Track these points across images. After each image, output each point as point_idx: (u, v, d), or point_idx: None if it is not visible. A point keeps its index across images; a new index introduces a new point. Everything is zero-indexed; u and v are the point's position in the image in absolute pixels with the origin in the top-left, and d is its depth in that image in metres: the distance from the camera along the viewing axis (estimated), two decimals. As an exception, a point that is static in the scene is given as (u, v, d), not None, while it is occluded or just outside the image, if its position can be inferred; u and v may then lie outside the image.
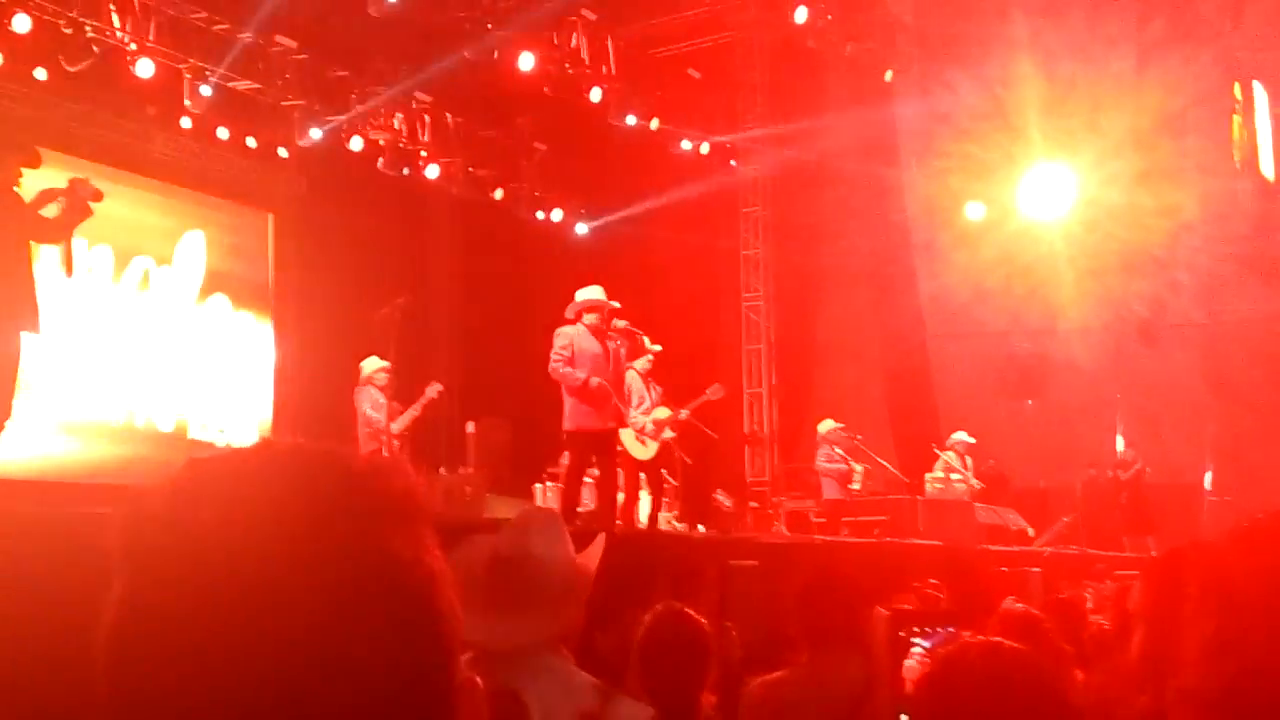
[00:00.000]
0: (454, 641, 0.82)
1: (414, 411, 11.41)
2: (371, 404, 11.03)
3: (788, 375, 17.77)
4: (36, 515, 4.67)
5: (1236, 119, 14.88)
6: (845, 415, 14.93)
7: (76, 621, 0.87)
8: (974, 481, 14.36)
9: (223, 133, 13.76)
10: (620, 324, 9.63)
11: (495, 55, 13.60)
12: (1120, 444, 15.17)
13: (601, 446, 9.43)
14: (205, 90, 12.77)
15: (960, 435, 14.67)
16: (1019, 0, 15.13)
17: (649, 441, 10.92)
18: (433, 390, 11.53)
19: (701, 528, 13.14)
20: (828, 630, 3.71)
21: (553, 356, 9.17)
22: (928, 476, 14.33)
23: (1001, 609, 3.94)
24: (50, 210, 7.00)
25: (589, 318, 9.26)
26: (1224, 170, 15.12)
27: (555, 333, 9.26)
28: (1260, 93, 15.44)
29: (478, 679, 0.84)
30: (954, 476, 14.33)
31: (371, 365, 11.09)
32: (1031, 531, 14.16)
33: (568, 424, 9.32)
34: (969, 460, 14.56)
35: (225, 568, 0.75)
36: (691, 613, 3.60)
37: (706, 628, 3.56)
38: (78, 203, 7.01)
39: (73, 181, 7.10)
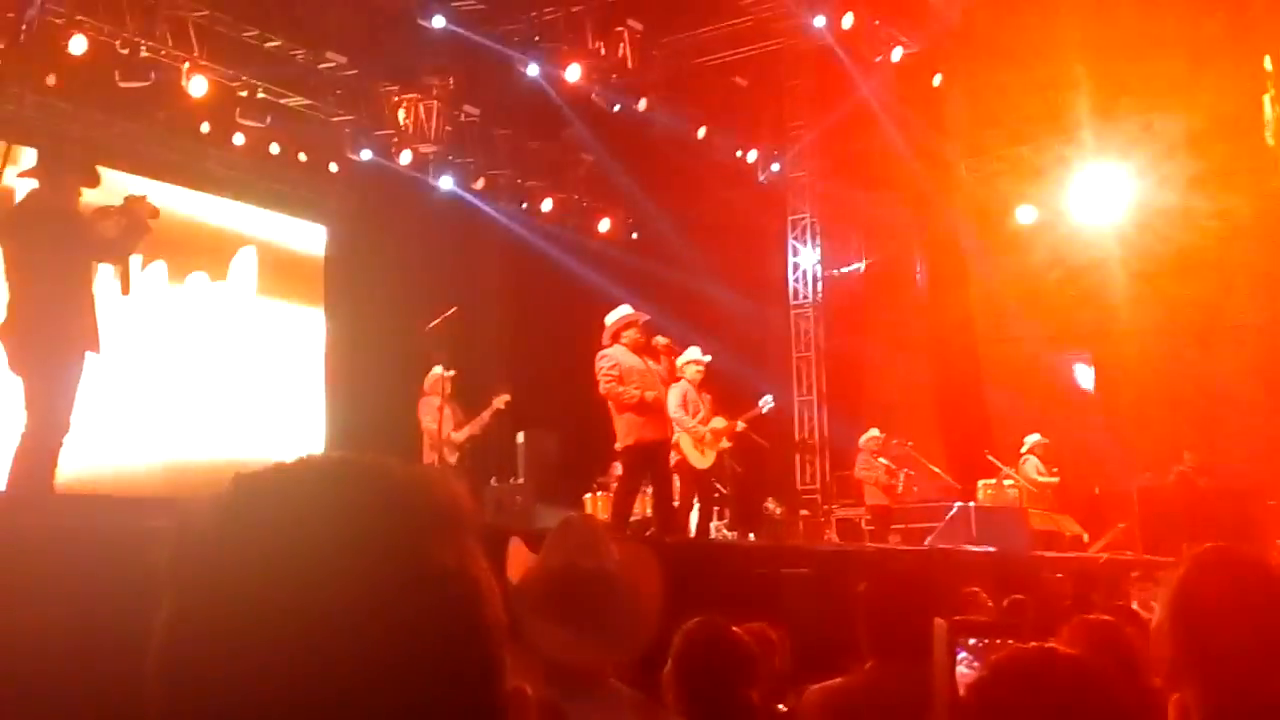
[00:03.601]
0: (501, 651, 0.82)
1: (481, 421, 11.51)
2: (431, 414, 11.11)
3: (838, 382, 17.68)
4: (92, 529, 4.73)
5: (1268, 97, 14.61)
6: (896, 421, 14.85)
7: (131, 638, 0.88)
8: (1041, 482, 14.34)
9: (274, 148, 13.92)
10: (661, 341, 9.67)
11: (542, 67, 13.67)
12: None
13: (656, 458, 9.51)
14: (261, 108, 12.95)
15: (1036, 436, 14.59)
16: (1069, 1, 14.97)
17: (707, 451, 10.95)
18: (499, 401, 11.62)
19: (752, 536, 13.11)
20: (893, 639, 3.67)
21: (602, 380, 9.25)
22: (1006, 482, 14.31)
23: (1074, 619, 3.87)
24: (108, 229, 7.08)
25: (627, 335, 9.36)
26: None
27: (598, 356, 9.35)
28: None
29: (527, 688, 0.85)
30: (1038, 478, 14.31)
31: (435, 375, 11.18)
32: (1086, 537, 14.01)
33: (623, 440, 9.37)
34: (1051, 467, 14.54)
35: (272, 583, 0.76)
36: (728, 624, 3.56)
37: (745, 639, 3.52)
38: (136, 221, 7.08)
39: (129, 199, 7.16)
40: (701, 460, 10.91)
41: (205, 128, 13.24)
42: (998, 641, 2.40)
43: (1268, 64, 14.83)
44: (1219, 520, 14.04)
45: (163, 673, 0.78)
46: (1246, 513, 14.29)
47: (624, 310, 9.53)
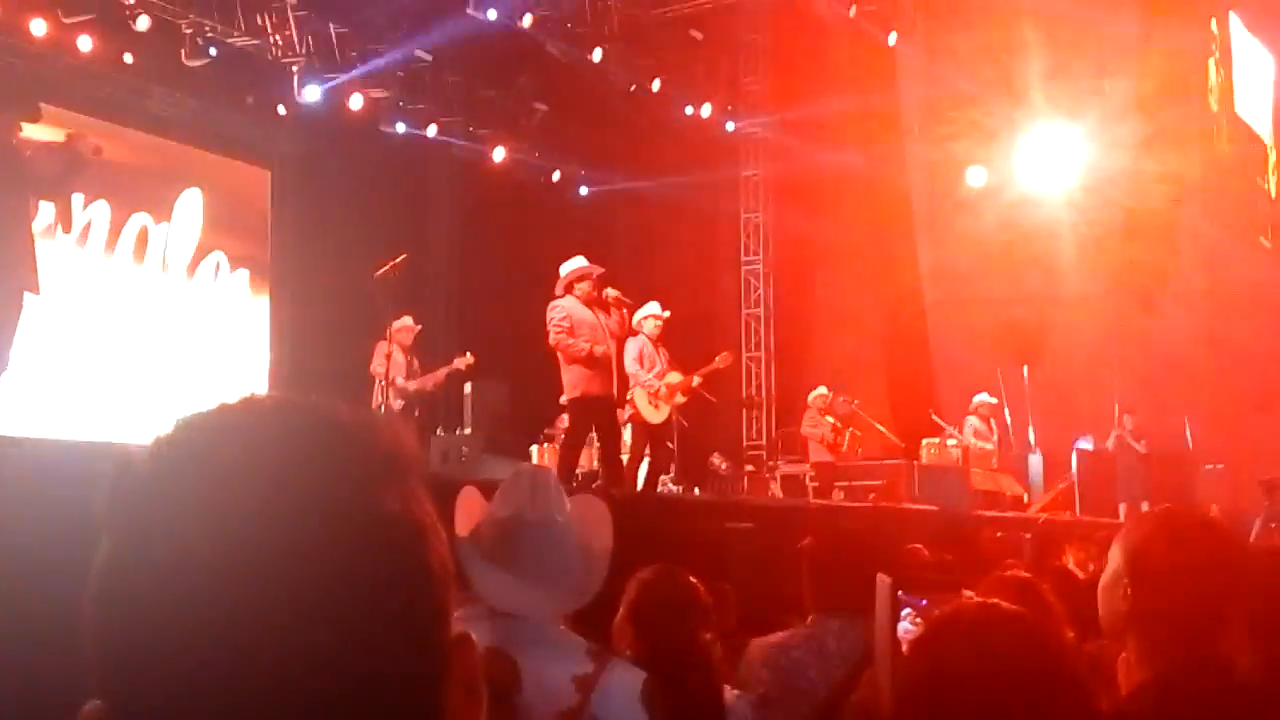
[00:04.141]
0: (446, 596, 0.80)
1: (435, 377, 11.46)
2: (380, 360, 11.06)
3: (786, 340, 17.76)
4: (31, 471, 4.66)
5: (1212, 61, 14.77)
6: (843, 380, 14.94)
7: (69, 581, 0.86)
8: (977, 445, 14.42)
9: (221, 89, 13.67)
10: (611, 293, 9.64)
11: (496, 13, 13.51)
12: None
13: (603, 412, 9.52)
14: (208, 47, 12.71)
15: (984, 396, 14.68)
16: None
17: (661, 405, 10.96)
18: (461, 361, 11.58)
19: (697, 490, 13.19)
20: (836, 594, 3.71)
21: (552, 330, 9.24)
22: (949, 442, 14.40)
23: (992, 575, 3.94)
24: (49, 166, 6.94)
25: (580, 287, 9.36)
26: (1225, 131, 15.08)
27: (549, 306, 9.34)
28: (1236, 24, 15.32)
29: (471, 635, 0.84)
30: (974, 440, 14.41)
31: (397, 324, 11.11)
32: (1027, 497, 14.20)
33: (571, 392, 9.39)
34: (993, 422, 14.61)
35: (211, 524, 0.74)
36: (684, 573, 3.58)
37: (698, 585, 3.55)
38: (76, 158, 6.95)
39: (71, 136, 7.04)
40: (655, 415, 10.92)
41: (151, 66, 12.97)
42: (943, 599, 2.43)
43: (1214, 27, 14.97)
44: (1155, 484, 14.31)
45: (99, 615, 0.76)
46: (1183, 477, 14.55)
47: (578, 262, 9.51)
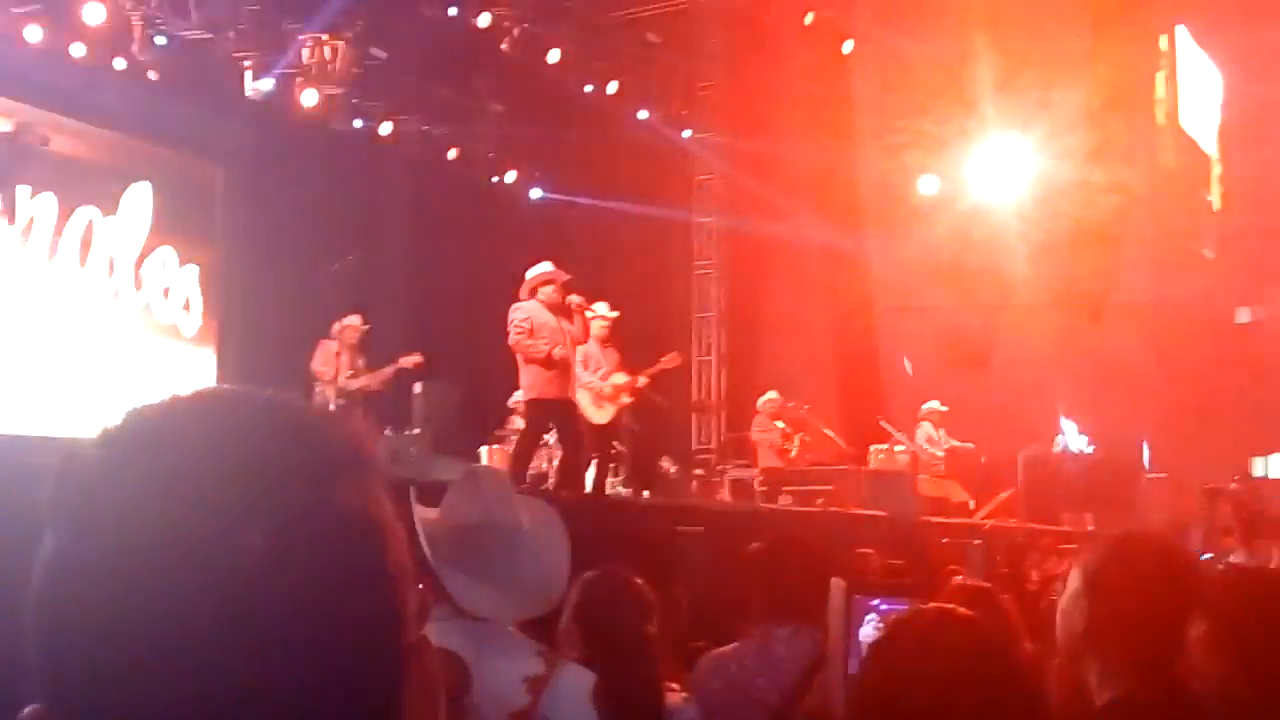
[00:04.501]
0: (404, 596, 0.79)
1: (381, 375, 11.38)
2: (325, 359, 10.97)
3: (737, 344, 17.79)
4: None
5: (1161, 74, 15.00)
6: (793, 385, 14.98)
7: (11, 578, 0.83)
8: (928, 451, 14.51)
9: (173, 83, 13.50)
10: (575, 300, 9.67)
11: (453, 12, 13.47)
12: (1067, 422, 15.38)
13: (562, 415, 9.56)
14: (160, 40, 12.57)
15: (934, 404, 14.80)
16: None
17: (606, 405, 10.96)
18: (408, 360, 11.51)
19: (646, 494, 13.18)
20: (784, 603, 3.71)
21: (512, 331, 9.27)
22: (897, 448, 14.50)
23: (952, 582, 3.97)
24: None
25: (544, 292, 9.40)
26: (1171, 145, 15.31)
27: (511, 308, 9.39)
28: (1184, 37, 15.56)
29: (428, 637, 0.82)
30: (927, 446, 14.51)
31: (345, 322, 11.05)
32: (972, 504, 14.30)
33: (527, 394, 9.44)
34: (943, 430, 14.72)
35: (159, 519, 0.71)
36: (626, 572, 3.57)
37: (643, 585, 3.54)
38: (24, 148, 6.87)
39: (18, 125, 6.95)
40: (599, 415, 10.93)
41: (100, 58, 12.78)
42: (904, 602, 2.44)
43: (1163, 44, 15.18)
44: (1098, 492, 14.47)
45: (42, 614, 0.74)
46: (1125, 485, 14.72)
47: (545, 267, 9.56)
